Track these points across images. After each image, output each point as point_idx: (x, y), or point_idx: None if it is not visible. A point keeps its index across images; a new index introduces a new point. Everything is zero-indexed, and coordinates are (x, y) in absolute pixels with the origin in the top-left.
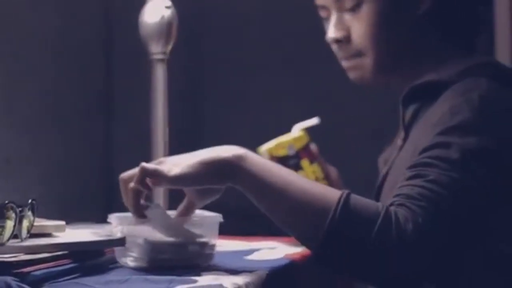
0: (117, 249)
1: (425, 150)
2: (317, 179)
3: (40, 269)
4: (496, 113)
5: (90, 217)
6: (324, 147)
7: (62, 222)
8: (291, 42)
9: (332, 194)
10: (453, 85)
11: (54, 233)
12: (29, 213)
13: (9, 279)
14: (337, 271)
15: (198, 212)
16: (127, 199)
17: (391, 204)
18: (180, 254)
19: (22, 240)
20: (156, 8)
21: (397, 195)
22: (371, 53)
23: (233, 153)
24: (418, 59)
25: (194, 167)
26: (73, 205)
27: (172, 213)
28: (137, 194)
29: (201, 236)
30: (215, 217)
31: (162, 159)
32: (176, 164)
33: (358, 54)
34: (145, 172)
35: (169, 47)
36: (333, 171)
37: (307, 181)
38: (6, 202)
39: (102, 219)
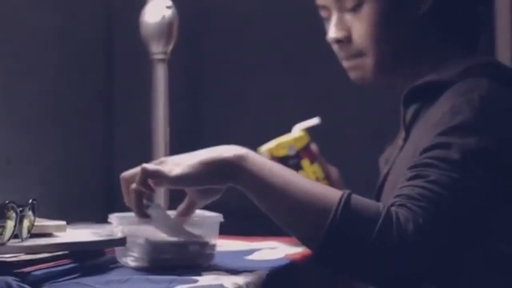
0: (118, 249)
1: (425, 150)
2: (317, 179)
3: (40, 269)
4: (497, 113)
5: (90, 217)
6: (325, 147)
7: (63, 222)
8: (291, 42)
9: (333, 194)
10: (454, 85)
11: (55, 233)
12: (30, 213)
13: (9, 279)
14: (337, 271)
15: (198, 212)
16: (128, 199)
17: (392, 205)
18: (181, 254)
19: (22, 240)
20: (157, 8)
21: (398, 196)
22: (371, 53)
23: (234, 153)
24: (419, 59)
25: (195, 167)
26: (74, 205)
27: (172, 213)
28: (139, 194)
29: (201, 236)
30: (216, 217)
31: (163, 159)
32: (177, 164)
33: (359, 54)
34: (146, 173)
35: (170, 47)
36: (333, 171)
37: (308, 181)
38: (7, 202)
39: (102, 219)
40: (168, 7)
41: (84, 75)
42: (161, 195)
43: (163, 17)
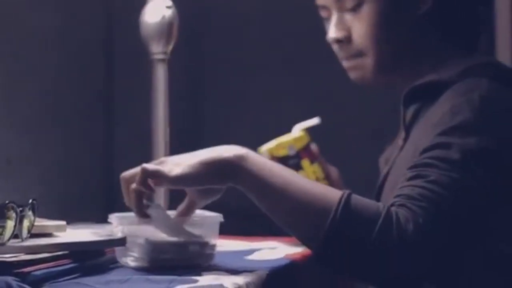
0: (118, 249)
1: (425, 150)
2: (317, 179)
3: (40, 269)
4: (497, 113)
5: (90, 217)
6: (325, 147)
7: (63, 222)
8: (291, 42)
9: (333, 194)
10: (454, 85)
11: (55, 233)
12: (30, 213)
13: (9, 279)
14: (337, 271)
15: (198, 212)
16: (128, 199)
17: (392, 205)
18: (181, 254)
19: (22, 240)
20: (157, 8)
21: (398, 196)
22: (371, 53)
23: (234, 153)
24: (419, 59)
25: (195, 167)
26: (74, 205)
27: (172, 213)
28: (139, 195)
29: (201, 236)
30: (216, 217)
31: (163, 158)
32: (177, 164)
33: (359, 54)
34: (146, 173)
35: (170, 47)
36: (333, 171)
37: (308, 181)
38: (7, 202)
39: (102, 219)
40: (168, 7)
41: (84, 75)
42: (161, 195)
43: (163, 17)
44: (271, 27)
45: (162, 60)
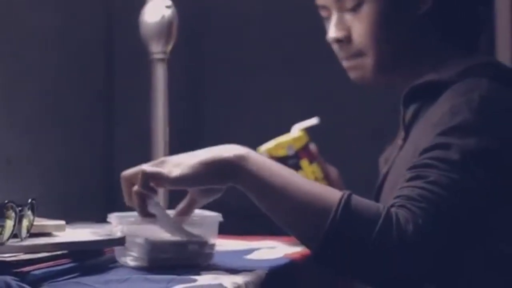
0: (117, 249)
1: (425, 150)
2: (316, 179)
3: (39, 268)
4: (497, 113)
5: (90, 216)
6: (324, 147)
7: (62, 222)
8: (291, 42)
9: (333, 195)
10: (454, 85)
11: (54, 233)
12: (29, 212)
13: (9, 278)
14: (337, 271)
15: (198, 211)
16: (128, 198)
17: (392, 206)
18: (180, 253)
19: (21, 240)
20: (157, 7)
21: (398, 197)
22: (371, 53)
23: (234, 153)
24: (418, 59)
25: (195, 167)
26: (74, 205)
27: (171, 213)
28: (141, 197)
29: (201, 236)
30: (215, 216)
31: (163, 158)
32: (177, 165)
33: (359, 54)
34: (146, 176)
35: (170, 47)
36: (333, 171)
37: (308, 181)
38: (6, 201)
39: (102, 219)
40: (167, 7)
41: (84, 75)
42: (160, 195)
43: (163, 16)
44: (271, 27)
45: (162, 59)
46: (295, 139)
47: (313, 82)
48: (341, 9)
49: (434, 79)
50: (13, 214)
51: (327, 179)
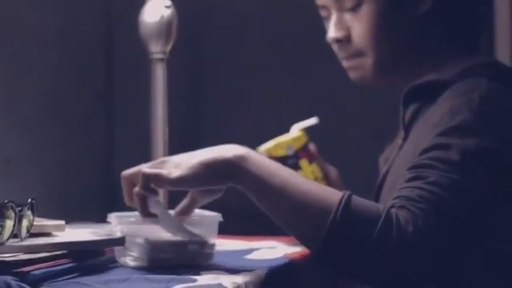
0: (117, 249)
1: (425, 151)
2: (316, 179)
3: (39, 268)
4: (497, 114)
5: (90, 216)
6: (324, 147)
7: (62, 222)
8: (291, 42)
9: (333, 195)
10: (453, 85)
11: (54, 233)
12: (29, 212)
13: (8, 278)
14: (337, 272)
15: (197, 211)
16: (128, 198)
17: (392, 206)
18: (180, 253)
19: (21, 240)
20: (156, 7)
21: (398, 197)
22: (371, 53)
23: (234, 153)
24: (418, 59)
25: (195, 168)
26: (74, 205)
27: (171, 213)
28: (142, 198)
29: (201, 236)
30: (215, 216)
31: (162, 158)
32: (177, 166)
33: (359, 54)
34: (146, 177)
35: (169, 47)
36: (332, 171)
37: (308, 182)
38: (6, 201)
39: (102, 219)
40: (167, 7)
41: (84, 75)
42: (161, 195)
43: (162, 16)
44: (271, 27)
45: (162, 59)
46: (295, 139)
47: (313, 82)
48: (341, 9)
49: (434, 79)
50: (13, 214)
51: (327, 179)
